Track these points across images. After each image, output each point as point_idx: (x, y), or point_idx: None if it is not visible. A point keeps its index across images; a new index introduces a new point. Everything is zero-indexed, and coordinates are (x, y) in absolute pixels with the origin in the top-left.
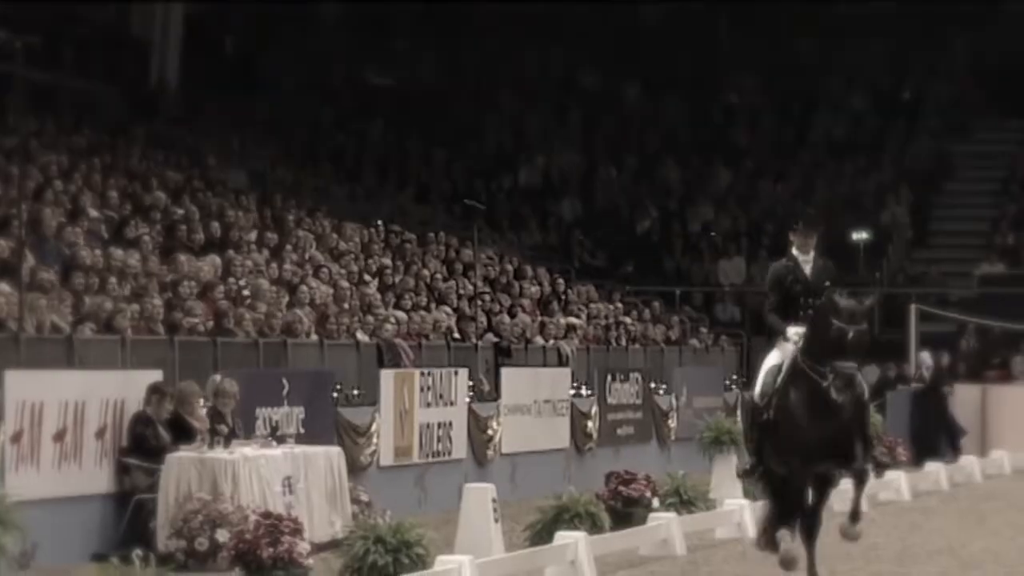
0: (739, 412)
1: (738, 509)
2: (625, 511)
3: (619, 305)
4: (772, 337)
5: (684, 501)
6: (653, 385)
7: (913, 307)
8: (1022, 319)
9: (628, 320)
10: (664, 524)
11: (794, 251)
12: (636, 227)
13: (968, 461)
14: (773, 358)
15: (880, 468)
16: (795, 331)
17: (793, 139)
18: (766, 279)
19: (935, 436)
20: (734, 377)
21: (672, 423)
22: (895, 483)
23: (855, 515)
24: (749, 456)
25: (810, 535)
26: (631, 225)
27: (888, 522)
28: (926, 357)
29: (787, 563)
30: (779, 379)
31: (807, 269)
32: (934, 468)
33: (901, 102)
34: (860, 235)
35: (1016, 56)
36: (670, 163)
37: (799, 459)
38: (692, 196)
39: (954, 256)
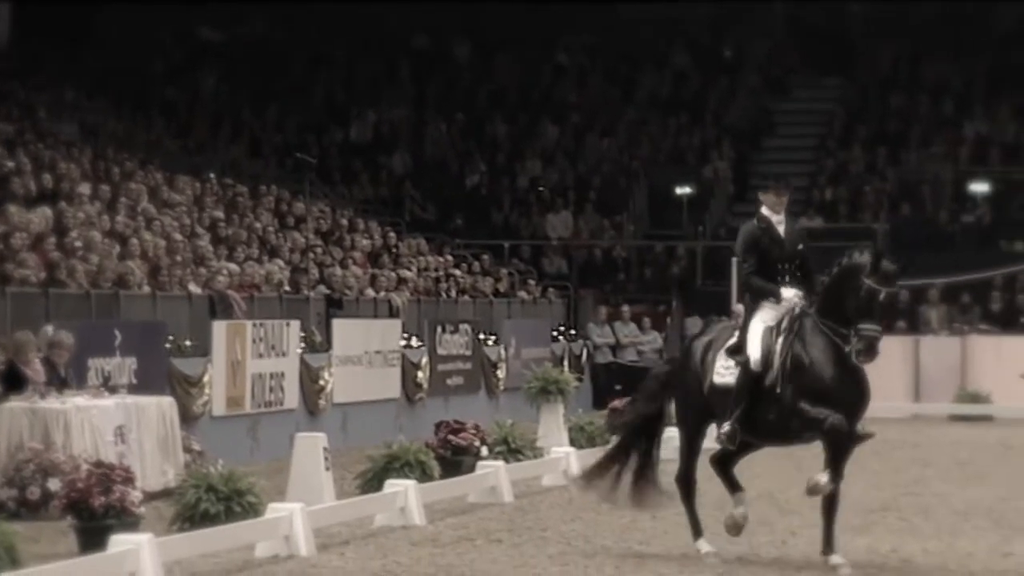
0: (566, 361)
1: (564, 457)
2: (454, 459)
3: (449, 258)
4: (757, 299)
5: (512, 449)
6: (482, 336)
7: (735, 260)
8: None
9: (458, 272)
10: (492, 472)
11: (764, 211)
12: (465, 181)
13: None
14: (763, 319)
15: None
16: (793, 292)
17: (619, 96)
18: (738, 243)
19: None
20: (561, 328)
21: (501, 373)
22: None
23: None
24: (733, 422)
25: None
26: (460, 179)
27: (709, 468)
28: (741, 310)
29: (733, 528)
30: (781, 343)
31: (780, 230)
32: None
33: (722, 60)
34: (684, 189)
35: (832, 15)
36: (499, 119)
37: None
38: (520, 151)
39: None
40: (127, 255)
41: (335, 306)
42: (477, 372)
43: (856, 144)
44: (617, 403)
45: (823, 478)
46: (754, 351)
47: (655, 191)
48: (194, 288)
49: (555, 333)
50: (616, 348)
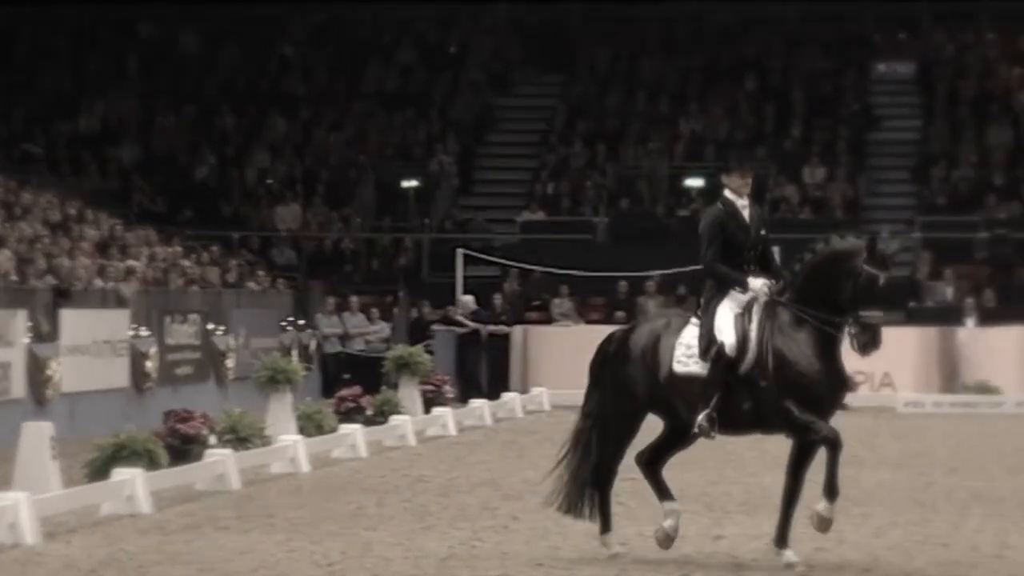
0: (295, 351)
1: (292, 445)
2: (183, 448)
3: (178, 248)
4: (723, 287)
5: (240, 438)
6: (211, 326)
7: (459, 252)
8: (560, 263)
9: (187, 263)
10: (220, 460)
11: (728, 195)
12: (195, 173)
13: (510, 398)
14: (730, 307)
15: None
16: (761, 282)
17: (346, 90)
18: (702, 227)
19: (479, 374)
20: (290, 318)
21: (230, 363)
22: (442, 419)
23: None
24: (710, 411)
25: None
26: (190, 171)
27: (435, 456)
28: (469, 301)
29: (665, 542)
30: (756, 329)
31: (746, 215)
32: (479, 404)
33: (447, 56)
34: (410, 183)
35: (553, 13)
36: (227, 111)
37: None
38: (249, 144)
39: (498, 204)
40: None
41: (63, 296)
42: (206, 361)
43: (576, 140)
44: (345, 392)
45: (825, 508)
46: (728, 336)
47: (382, 184)
48: None
49: (284, 323)
50: (344, 338)
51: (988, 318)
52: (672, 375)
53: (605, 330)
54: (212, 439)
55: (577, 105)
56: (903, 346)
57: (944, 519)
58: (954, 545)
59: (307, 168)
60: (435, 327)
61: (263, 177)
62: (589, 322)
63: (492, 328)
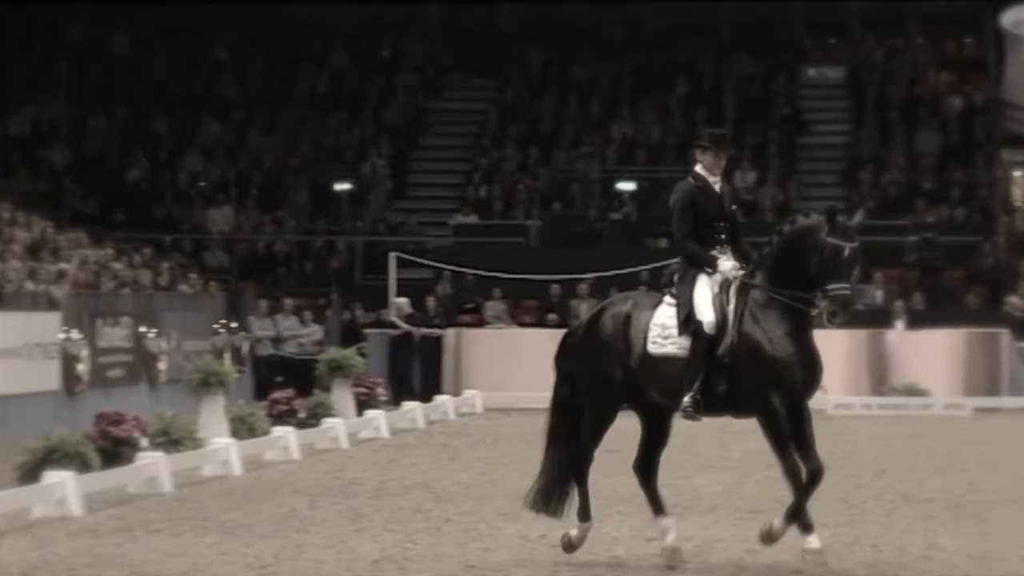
0: (227, 354)
1: (224, 447)
2: (114, 450)
3: (110, 251)
4: (694, 266)
5: (172, 441)
6: (143, 329)
7: (392, 255)
8: (493, 266)
9: (118, 266)
10: (152, 463)
11: (700, 170)
12: (127, 176)
13: (443, 400)
14: (707, 286)
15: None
16: (731, 265)
17: (279, 93)
18: (673, 201)
19: (412, 377)
20: (222, 321)
21: (162, 365)
22: (375, 422)
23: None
24: (694, 393)
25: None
26: (122, 174)
27: (368, 458)
28: (404, 303)
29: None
30: (733, 309)
31: (717, 189)
32: (411, 407)
33: (380, 60)
34: (343, 186)
35: (485, 17)
36: (159, 114)
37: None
38: (181, 147)
39: (430, 207)
40: None
41: None
42: (138, 364)
43: (509, 143)
44: (278, 394)
45: (779, 526)
46: (707, 315)
47: (315, 187)
48: None
49: (216, 326)
50: (277, 341)
51: (917, 321)
52: (646, 356)
53: (537, 333)
54: (144, 442)
55: (509, 109)
56: (833, 349)
57: (873, 520)
58: (883, 546)
59: (240, 171)
60: (368, 330)
61: (195, 180)
62: (521, 325)
63: (425, 331)
